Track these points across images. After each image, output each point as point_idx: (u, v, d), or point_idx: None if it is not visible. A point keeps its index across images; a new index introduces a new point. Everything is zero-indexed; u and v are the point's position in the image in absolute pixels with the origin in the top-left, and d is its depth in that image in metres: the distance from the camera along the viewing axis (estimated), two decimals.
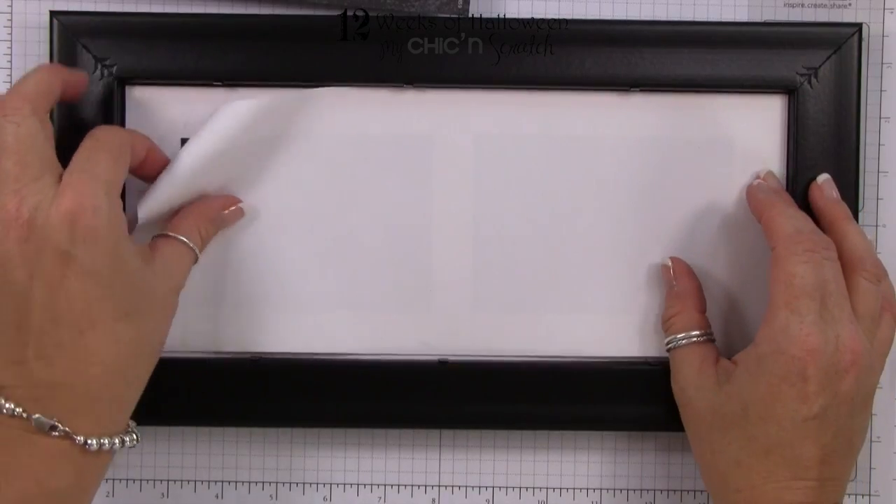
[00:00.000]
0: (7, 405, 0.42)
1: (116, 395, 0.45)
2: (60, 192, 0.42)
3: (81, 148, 0.45)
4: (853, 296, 0.47)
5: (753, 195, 0.51)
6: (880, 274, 0.48)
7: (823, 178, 0.51)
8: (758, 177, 0.52)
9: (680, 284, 0.52)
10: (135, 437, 0.46)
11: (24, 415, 0.42)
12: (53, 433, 0.43)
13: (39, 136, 0.43)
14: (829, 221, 0.50)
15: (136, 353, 0.45)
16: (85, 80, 0.49)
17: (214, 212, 0.51)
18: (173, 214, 0.50)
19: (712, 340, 0.51)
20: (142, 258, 0.45)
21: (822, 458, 0.45)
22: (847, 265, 0.48)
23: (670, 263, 0.52)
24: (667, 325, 0.51)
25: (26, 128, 0.43)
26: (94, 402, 0.44)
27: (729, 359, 0.49)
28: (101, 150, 0.45)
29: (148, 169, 0.49)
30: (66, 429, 0.43)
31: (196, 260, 0.49)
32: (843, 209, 0.50)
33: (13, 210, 0.42)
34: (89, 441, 0.43)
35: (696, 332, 0.50)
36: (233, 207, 0.52)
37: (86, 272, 0.42)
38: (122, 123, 0.52)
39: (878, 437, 0.55)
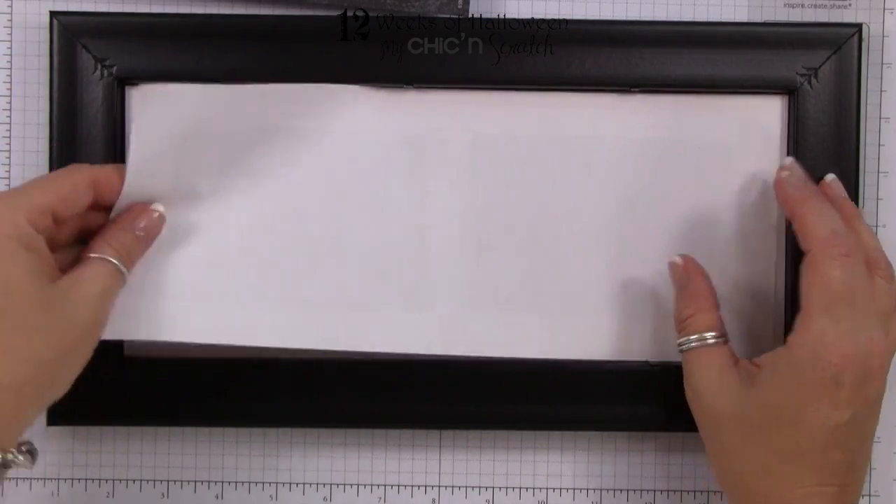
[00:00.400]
0: None
1: None
2: None
3: None
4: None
5: (783, 189, 0.49)
6: (892, 272, 0.48)
7: (831, 177, 0.51)
8: (783, 168, 0.50)
9: (694, 283, 0.50)
10: (19, 459, 0.43)
11: None
12: None
13: None
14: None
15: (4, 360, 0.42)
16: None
17: (127, 223, 0.49)
18: None
19: (727, 342, 0.50)
20: (44, 274, 0.44)
21: (849, 463, 0.45)
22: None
23: (680, 261, 0.51)
24: (682, 325, 0.50)
25: None
26: None
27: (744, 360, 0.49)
28: (40, 177, 0.47)
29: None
30: None
31: (121, 275, 0.47)
32: (852, 208, 0.50)
33: None
34: None
35: (713, 334, 0.49)
36: (147, 216, 0.49)
37: None
38: (122, 124, 0.52)
39: (879, 438, 0.55)
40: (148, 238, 0.49)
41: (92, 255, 0.47)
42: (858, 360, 0.44)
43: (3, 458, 0.42)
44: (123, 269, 0.47)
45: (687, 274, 0.51)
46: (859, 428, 0.45)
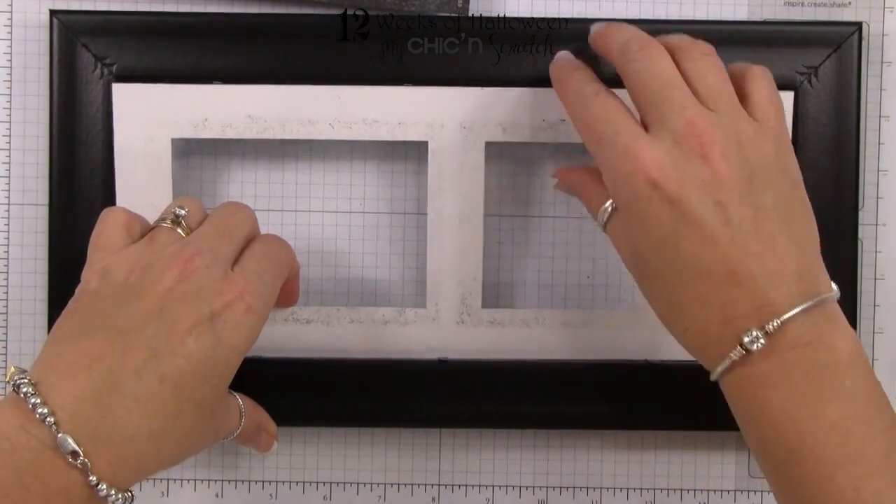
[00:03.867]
0: (41, 409, 0.38)
1: (143, 453, 0.41)
2: (229, 277, 0.43)
3: (255, 248, 0.45)
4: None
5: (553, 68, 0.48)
6: (709, 49, 0.45)
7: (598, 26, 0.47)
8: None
9: (578, 176, 0.48)
10: (130, 495, 0.41)
11: (54, 426, 0.38)
12: (71, 460, 0.38)
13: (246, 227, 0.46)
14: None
15: (173, 442, 0.42)
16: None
17: (263, 421, 0.51)
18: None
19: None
20: (227, 387, 0.44)
21: (734, 253, 0.41)
22: None
23: (557, 173, 0.49)
24: (593, 210, 0.46)
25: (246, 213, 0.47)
26: (124, 446, 0.40)
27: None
28: (272, 261, 0.45)
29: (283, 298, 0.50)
30: (87, 461, 0.38)
31: (232, 437, 0.48)
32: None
33: (188, 253, 0.42)
34: (100, 486, 0.39)
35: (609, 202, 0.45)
36: (270, 439, 0.52)
37: (208, 345, 0.41)
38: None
39: None
40: (250, 440, 0.51)
41: (241, 406, 0.49)
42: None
43: (123, 497, 0.40)
44: (232, 434, 0.49)
45: (570, 178, 0.49)
46: (710, 218, 0.41)
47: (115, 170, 0.51)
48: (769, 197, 0.41)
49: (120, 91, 0.51)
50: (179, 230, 0.45)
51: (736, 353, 0.41)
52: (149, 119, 0.51)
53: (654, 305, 0.44)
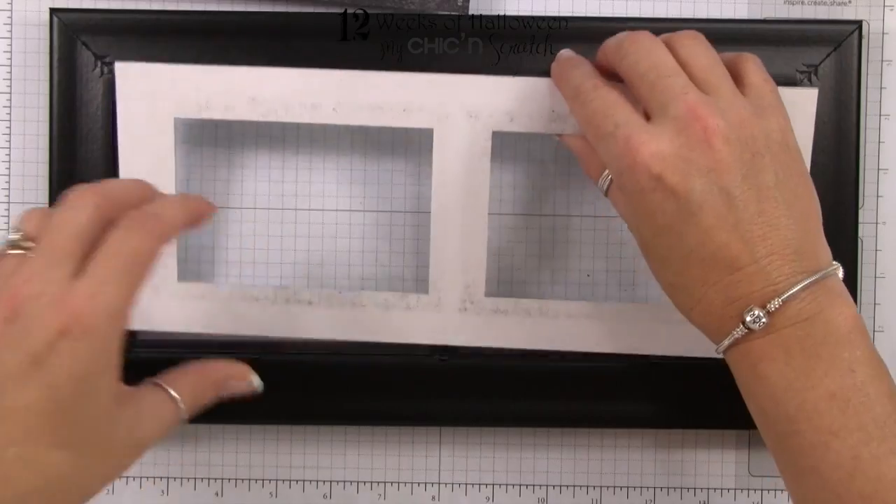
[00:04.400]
0: None
1: None
2: (64, 297, 0.38)
3: (108, 243, 0.39)
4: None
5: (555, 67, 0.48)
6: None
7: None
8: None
9: (576, 143, 0.49)
10: None
11: None
12: None
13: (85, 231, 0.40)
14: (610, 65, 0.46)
15: (60, 492, 0.39)
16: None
17: (220, 376, 0.46)
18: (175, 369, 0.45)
19: None
20: (116, 398, 0.40)
21: (738, 238, 0.41)
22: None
23: (560, 139, 0.50)
24: (596, 176, 0.47)
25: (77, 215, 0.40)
26: None
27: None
28: (126, 255, 0.39)
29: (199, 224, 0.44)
30: None
31: (182, 420, 0.43)
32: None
33: (14, 287, 0.38)
34: None
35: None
36: (242, 381, 0.46)
37: (45, 384, 0.37)
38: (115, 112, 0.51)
39: None
40: (223, 394, 0.46)
41: (168, 389, 0.43)
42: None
43: None
44: (185, 417, 0.44)
45: (571, 143, 0.49)
46: (715, 203, 0.41)
47: (118, 149, 0.50)
48: (770, 175, 0.42)
49: (123, 70, 0.50)
50: (19, 251, 0.40)
51: (739, 332, 0.42)
52: (152, 98, 0.50)
53: (659, 282, 0.45)
